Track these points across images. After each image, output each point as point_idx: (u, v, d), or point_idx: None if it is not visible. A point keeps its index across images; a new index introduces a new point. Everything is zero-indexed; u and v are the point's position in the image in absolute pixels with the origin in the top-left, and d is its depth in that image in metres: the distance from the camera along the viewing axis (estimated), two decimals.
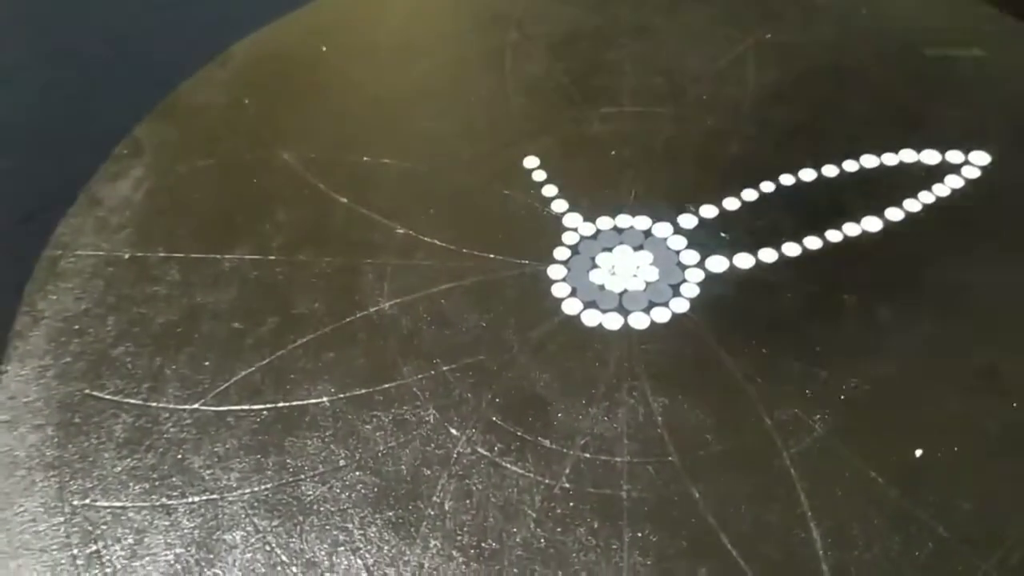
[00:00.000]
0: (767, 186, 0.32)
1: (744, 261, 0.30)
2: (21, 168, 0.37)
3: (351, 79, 0.37)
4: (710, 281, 0.30)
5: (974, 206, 0.31)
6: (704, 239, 0.31)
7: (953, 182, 0.32)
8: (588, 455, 0.26)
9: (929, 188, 0.32)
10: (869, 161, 0.32)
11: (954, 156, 0.32)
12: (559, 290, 0.30)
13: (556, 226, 0.31)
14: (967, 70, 0.34)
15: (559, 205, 0.32)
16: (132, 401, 0.28)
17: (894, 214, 0.31)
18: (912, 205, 0.31)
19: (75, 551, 0.25)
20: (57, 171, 0.36)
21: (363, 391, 0.28)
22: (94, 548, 0.25)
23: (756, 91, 0.33)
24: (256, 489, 0.26)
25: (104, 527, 0.25)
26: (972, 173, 0.32)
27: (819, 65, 0.31)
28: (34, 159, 0.37)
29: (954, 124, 0.33)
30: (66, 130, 0.38)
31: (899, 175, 0.32)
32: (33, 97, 0.39)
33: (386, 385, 0.28)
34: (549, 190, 0.32)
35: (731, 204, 0.31)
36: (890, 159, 0.32)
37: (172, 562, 0.25)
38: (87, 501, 0.26)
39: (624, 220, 0.31)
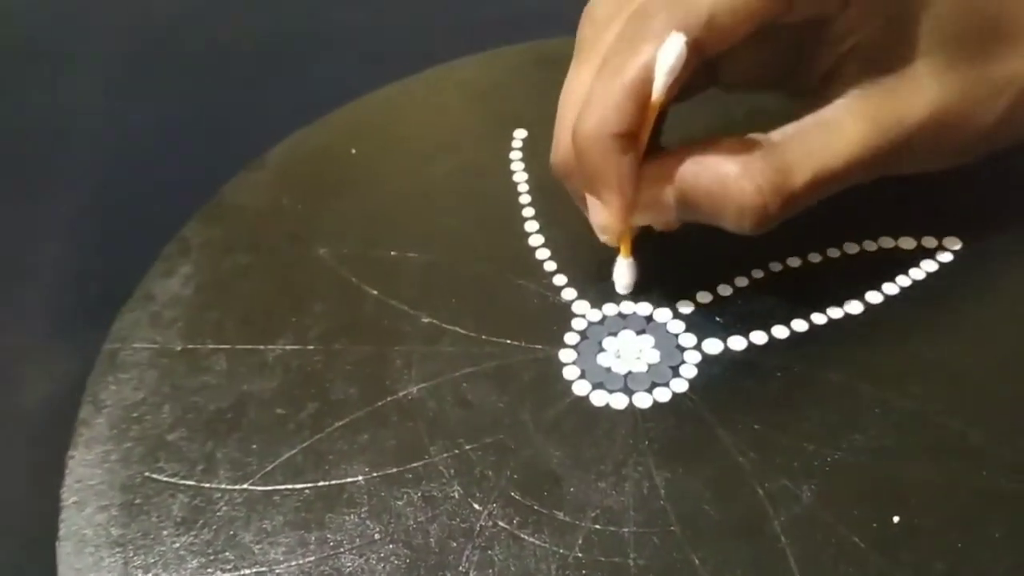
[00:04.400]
0: (757, 273, 0.34)
1: (737, 343, 0.32)
2: (83, 268, 0.40)
3: (378, 179, 0.41)
4: (707, 362, 0.32)
5: (947, 288, 0.34)
6: (701, 323, 0.33)
7: (928, 266, 0.34)
8: (598, 526, 0.29)
9: (906, 272, 0.34)
10: (851, 248, 0.35)
11: (928, 242, 0.35)
12: (570, 372, 0.32)
13: (566, 313, 0.34)
14: None
15: (568, 293, 0.35)
16: (187, 482, 0.31)
17: (874, 297, 0.34)
18: (890, 288, 0.34)
19: None
20: (112, 269, 0.40)
21: (394, 470, 0.30)
22: None
23: None
24: (301, 562, 0.29)
25: None
26: (945, 257, 0.35)
27: None
28: (91, 256, 0.41)
29: (930, 212, 0.36)
30: (118, 232, 0.42)
31: (878, 260, 0.35)
32: (93, 194, 0.43)
33: (415, 464, 0.31)
34: (559, 279, 0.35)
35: (724, 291, 0.34)
36: (870, 245, 0.35)
37: None
38: (150, 575, 0.29)
39: (627, 306, 0.34)
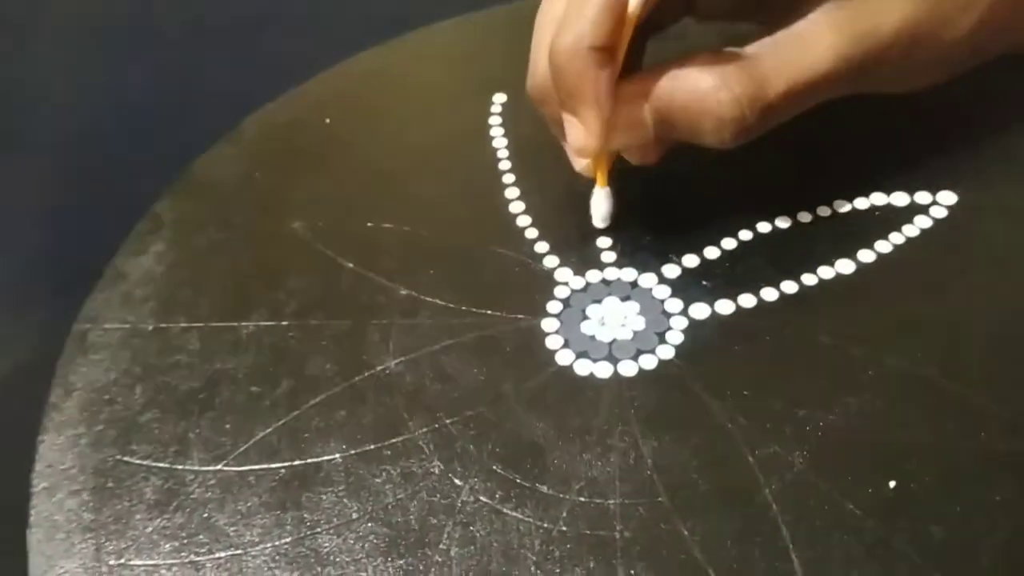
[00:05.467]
0: (745, 234, 0.33)
1: (725, 307, 0.31)
2: (52, 243, 0.39)
3: (353, 149, 0.39)
4: (694, 328, 0.31)
5: (942, 244, 0.33)
6: (687, 288, 0.32)
7: (922, 222, 0.33)
8: (583, 499, 0.28)
9: (899, 229, 0.33)
10: (842, 206, 0.34)
11: (922, 197, 0.34)
12: (553, 342, 0.31)
13: (548, 281, 0.33)
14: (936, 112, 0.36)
15: (551, 261, 0.34)
16: (160, 465, 0.30)
17: (866, 256, 0.33)
18: (883, 247, 0.33)
19: None
20: (83, 246, 0.39)
21: (372, 446, 0.30)
22: None
23: None
24: (277, 543, 0.28)
25: None
26: (940, 213, 0.34)
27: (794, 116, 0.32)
28: (63, 234, 0.40)
29: (923, 167, 0.35)
30: (88, 207, 0.41)
31: (870, 218, 0.34)
32: (61, 171, 0.42)
33: (394, 440, 0.30)
34: (541, 247, 0.34)
35: (711, 253, 0.33)
36: (862, 203, 0.34)
37: None
38: (122, 561, 0.28)
39: (612, 273, 0.33)
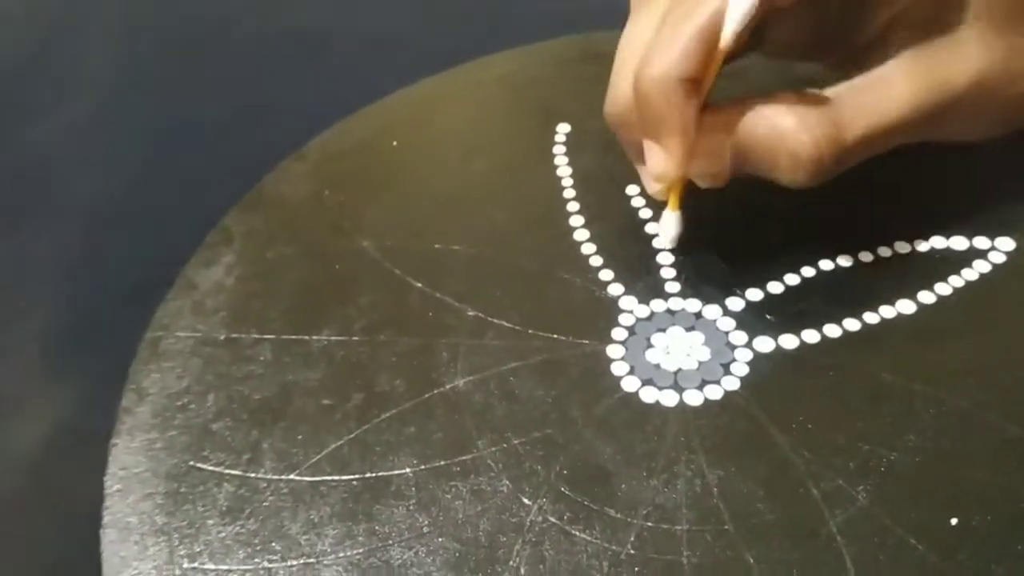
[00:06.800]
0: (808, 271, 0.34)
1: (789, 342, 0.32)
2: (123, 252, 0.40)
3: (419, 172, 0.40)
4: (758, 360, 0.32)
5: (1000, 288, 0.33)
6: (751, 321, 0.33)
7: (980, 266, 0.34)
8: (651, 524, 0.28)
9: (958, 272, 0.34)
10: (902, 247, 0.35)
11: (981, 242, 0.35)
12: (618, 368, 0.32)
13: (613, 308, 0.34)
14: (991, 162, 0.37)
15: (615, 288, 0.34)
16: (233, 472, 0.31)
17: (926, 297, 0.33)
18: (943, 288, 0.33)
19: None
20: (154, 255, 0.39)
21: (442, 463, 0.30)
22: None
23: None
24: (349, 554, 0.28)
25: None
26: (998, 258, 0.34)
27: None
28: (134, 243, 0.40)
29: (982, 213, 0.35)
30: (160, 217, 0.42)
31: (930, 260, 0.34)
32: (133, 183, 0.43)
33: (463, 457, 0.30)
34: (606, 274, 0.35)
35: (775, 288, 0.34)
36: (921, 245, 0.35)
37: None
38: (195, 565, 0.28)
39: (676, 303, 0.34)
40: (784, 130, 0.30)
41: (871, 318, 0.33)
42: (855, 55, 0.33)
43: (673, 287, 0.35)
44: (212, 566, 0.28)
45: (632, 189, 0.38)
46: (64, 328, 0.39)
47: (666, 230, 0.34)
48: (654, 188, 0.33)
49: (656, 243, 0.36)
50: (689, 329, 0.33)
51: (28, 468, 0.35)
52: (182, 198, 0.42)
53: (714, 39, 0.30)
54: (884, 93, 0.31)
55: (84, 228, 0.41)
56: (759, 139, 0.30)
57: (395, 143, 0.42)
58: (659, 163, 0.32)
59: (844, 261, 0.35)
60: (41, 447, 0.35)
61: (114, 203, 0.43)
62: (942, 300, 0.33)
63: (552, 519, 0.29)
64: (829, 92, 0.31)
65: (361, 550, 0.28)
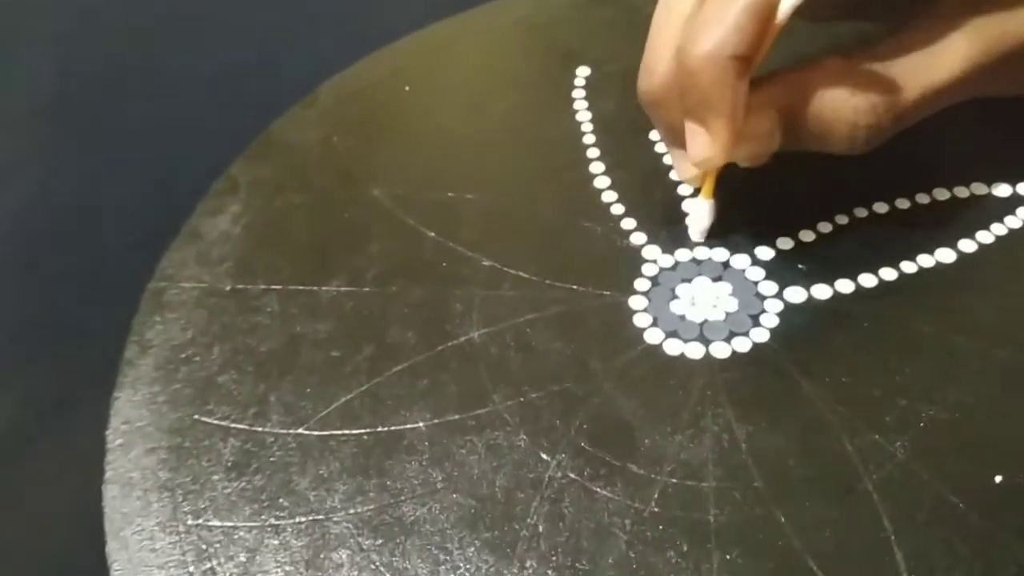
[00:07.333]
0: (841, 219, 0.32)
1: (821, 292, 0.31)
2: (126, 201, 0.39)
3: (433, 118, 0.39)
4: (789, 311, 0.30)
5: None
6: (781, 270, 0.31)
7: None
8: (675, 480, 0.27)
9: (1001, 220, 0.32)
10: (941, 194, 0.33)
11: None
12: (641, 320, 0.31)
13: (635, 258, 0.33)
14: None
15: (638, 237, 0.33)
16: (239, 426, 0.29)
17: (967, 245, 0.32)
18: (985, 236, 0.32)
19: (191, 568, 0.26)
20: (158, 206, 0.38)
21: (456, 417, 0.29)
22: (208, 565, 0.26)
23: None
24: (360, 510, 0.27)
25: (217, 545, 0.27)
26: None
27: None
28: (137, 192, 0.39)
29: None
30: (165, 165, 0.41)
31: (971, 207, 0.33)
32: (137, 131, 0.42)
33: (478, 411, 0.29)
34: (628, 223, 0.33)
35: (807, 236, 0.32)
36: (962, 192, 0.33)
37: None
38: (200, 521, 0.27)
39: (702, 252, 0.32)
40: (839, 98, 0.28)
41: (908, 267, 0.31)
42: (904, 10, 0.31)
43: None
44: (217, 522, 0.27)
45: (655, 135, 0.36)
46: (69, 277, 0.38)
47: (697, 221, 0.32)
48: (689, 173, 0.31)
49: (689, 234, 0.33)
50: (716, 279, 0.32)
51: (30, 418, 0.34)
52: (188, 146, 0.41)
53: (769, 12, 0.27)
54: (939, 50, 0.29)
55: (88, 176, 0.40)
56: (813, 112, 0.28)
57: (407, 88, 0.40)
58: (703, 148, 0.29)
59: (880, 208, 0.33)
60: (41, 400, 0.34)
61: (118, 151, 0.41)
62: (983, 249, 0.32)
63: (572, 475, 0.27)
64: (880, 52, 0.29)
65: (372, 506, 0.27)
